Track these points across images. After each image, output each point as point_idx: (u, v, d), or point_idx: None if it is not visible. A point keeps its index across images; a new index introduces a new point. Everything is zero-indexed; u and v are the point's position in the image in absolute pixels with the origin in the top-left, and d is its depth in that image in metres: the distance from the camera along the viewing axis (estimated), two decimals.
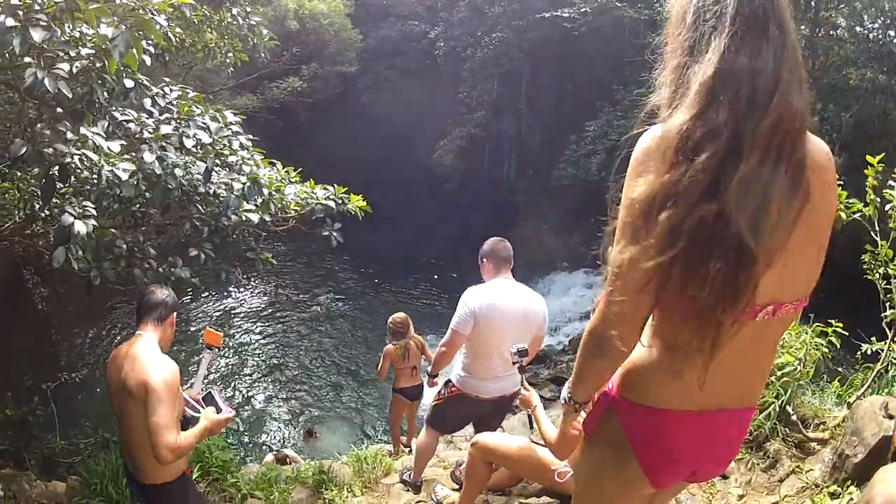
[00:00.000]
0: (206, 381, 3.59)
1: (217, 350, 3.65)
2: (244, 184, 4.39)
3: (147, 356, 3.07)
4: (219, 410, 3.28)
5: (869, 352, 4.75)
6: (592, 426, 1.91)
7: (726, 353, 1.56)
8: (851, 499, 3.45)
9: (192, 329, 14.99)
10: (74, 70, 2.88)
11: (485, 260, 4.52)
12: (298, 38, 22.58)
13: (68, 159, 3.10)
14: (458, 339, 4.42)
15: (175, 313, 3.35)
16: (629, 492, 1.90)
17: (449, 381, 4.72)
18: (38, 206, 3.77)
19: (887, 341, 4.45)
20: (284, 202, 4.92)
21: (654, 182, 1.46)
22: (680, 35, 1.54)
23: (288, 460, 7.44)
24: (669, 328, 1.64)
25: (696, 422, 1.72)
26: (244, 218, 4.51)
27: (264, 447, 10.86)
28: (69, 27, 2.87)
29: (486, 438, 4.02)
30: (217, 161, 4.30)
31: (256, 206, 4.56)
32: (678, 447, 1.77)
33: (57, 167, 3.07)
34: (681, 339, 1.58)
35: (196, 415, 3.26)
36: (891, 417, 3.59)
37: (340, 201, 5.21)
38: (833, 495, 3.68)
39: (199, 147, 4.11)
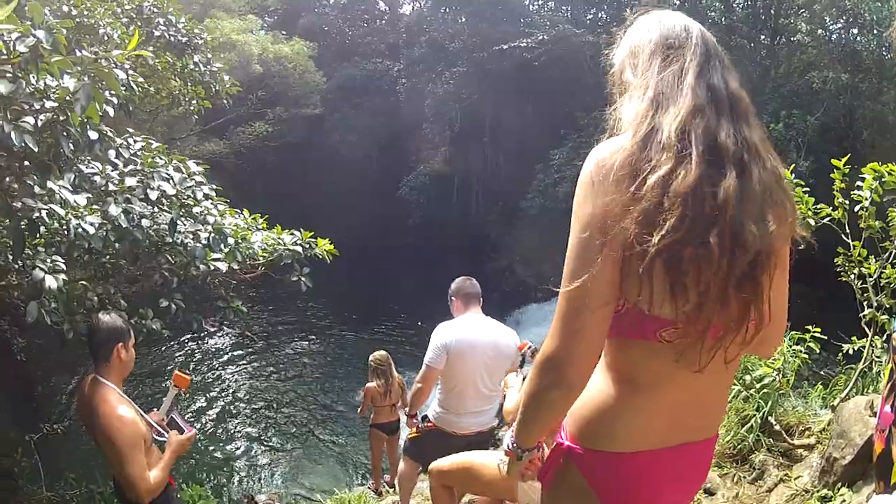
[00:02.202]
0: (168, 411, 3.58)
1: (182, 391, 3.65)
2: (209, 233, 4.40)
3: (105, 413, 3.09)
4: (181, 432, 3.43)
5: (851, 352, 4.80)
6: (551, 476, 1.75)
7: (687, 382, 1.52)
8: (843, 500, 3.46)
9: (169, 368, 14.82)
10: (39, 123, 2.87)
11: (454, 298, 4.63)
12: (263, 81, 22.67)
13: (36, 214, 3.08)
14: (433, 374, 4.47)
15: (122, 341, 3.24)
16: None
17: (426, 416, 4.75)
18: (11, 258, 3.74)
19: (867, 339, 4.52)
20: (252, 250, 4.91)
21: (652, 183, 1.40)
22: (640, 70, 1.59)
23: None
24: (626, 356, 1.57)
25: (660, 460, 1.60)
26: (212, 267, 4.50)
27: (244, 489, 10.72)
28: (34, 78, 2.86)
29: (439, 462, 3.86)
30: (182, 212, 4.29)
31: (223, 255, 4.55)
32: (645, 488, 1.64)
33: (26, 221, 3.05)
34: (654, 361, 1.51)
35: (161, 439, 3.37)
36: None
37: (308, 246, 5.21)
38: (824, 499, 3.68)
39: (163, 198, 4.10)
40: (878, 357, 4.50)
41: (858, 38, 18.32)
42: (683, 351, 1.46)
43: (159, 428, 3.40)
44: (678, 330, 1.44)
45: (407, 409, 5.26)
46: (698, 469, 1.75)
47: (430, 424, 4.63)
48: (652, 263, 1.38)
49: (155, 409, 3.53)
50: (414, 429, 4.87)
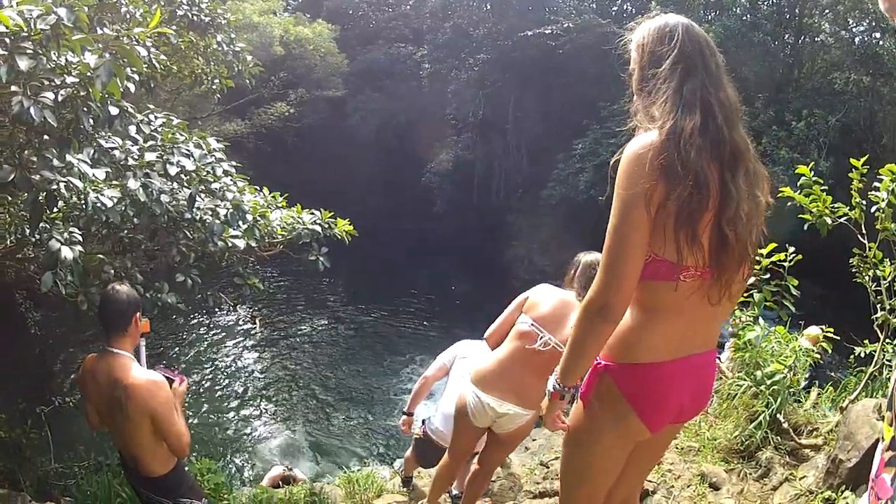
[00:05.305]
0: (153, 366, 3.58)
1: (147, 336, 3.61)
2: (228, 210, 4.43)
3: (135, 383, 3.10)
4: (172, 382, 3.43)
5: (862, 355, 4.77)
6: (590, 393, 2.23)
7: (691, 310, 2.04)
8: (846, 503, 3.44)
9: (177, 349, 15.03)
10: (60, 98, 2.90)
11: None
12: (284, 63, 22.71)
13: (55, 186, 3.11)
14: (438, 369, 4.66)
15: (139, 310, 3.29)
16: (627, 443, 2.27)
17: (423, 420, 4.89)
18: (28, 231, 3.77)
19: (879, 343, 4.48)
20: (270, 228, 4.94)
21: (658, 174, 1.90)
22: (653, 73, 2.05)
23: (282, 482, 7.39)
24: (649, 294, 2.04)
25: (674, 367, 2.10)
26: (230, 244, 4.53)
27: (255, 468, 10.83)
28: (55, 55, 2.89)
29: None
30: (201, 187, 4.32)
31: (241, 231, 4.58)
32: (668, 391, 2.14)
33: (44, 193, 3.09)
34: (666, 296, 2.01)
35: None
36: (884, 420, 3.57)
37: (327, 226, 5.24)
38: (827, 500, 3.65)
39: (183, 174, 4.13)
40: (888, 361, 4.47)
41: (881, 41, 18.18)
42: (709, 288, 2.00)
43: None
44: (698, 273, 1.97)
45: None
46: (705, 371, 2.26)
47: (421, 432, 4.82)
48: (678, 226, 1.90)
49: None
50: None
